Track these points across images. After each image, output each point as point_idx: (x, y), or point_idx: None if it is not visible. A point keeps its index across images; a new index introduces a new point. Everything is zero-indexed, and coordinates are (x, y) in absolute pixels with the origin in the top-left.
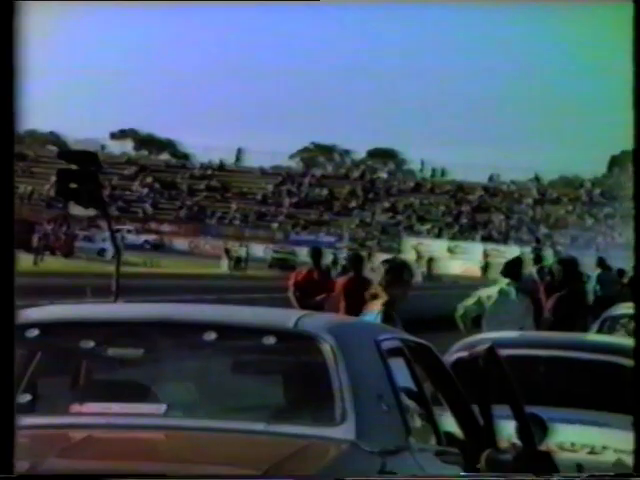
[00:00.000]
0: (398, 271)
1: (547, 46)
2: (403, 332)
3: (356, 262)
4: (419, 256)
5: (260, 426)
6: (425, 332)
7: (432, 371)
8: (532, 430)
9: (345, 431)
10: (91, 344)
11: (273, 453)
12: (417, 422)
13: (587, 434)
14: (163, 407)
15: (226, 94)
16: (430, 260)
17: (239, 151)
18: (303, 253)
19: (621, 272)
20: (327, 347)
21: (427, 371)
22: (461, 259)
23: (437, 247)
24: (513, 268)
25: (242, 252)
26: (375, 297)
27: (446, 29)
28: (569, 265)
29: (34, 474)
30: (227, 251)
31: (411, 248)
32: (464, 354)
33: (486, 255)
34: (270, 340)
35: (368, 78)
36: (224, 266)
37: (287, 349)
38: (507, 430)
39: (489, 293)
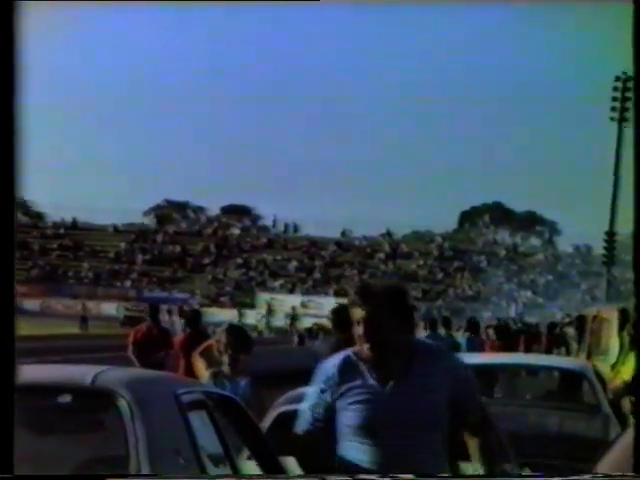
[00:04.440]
0: (241, 336)
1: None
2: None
3: (193, 318)
4: (271, 310)
5: None
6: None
7: (237, 422)
8: None
9: None
10: None
11: None
12: (219, 473)
13: None
14: None
15: (78, 151)
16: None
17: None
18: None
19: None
20: (124, 402)
21: (231, 423)
22: (313, 314)
23: (290, 302)
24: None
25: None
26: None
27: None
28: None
29: (34, 474)
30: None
31: (264, 303)
32: (286, 408)
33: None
34: (66, 398)
35: (219, 133)
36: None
37: (84, 406)
38: None
39: None
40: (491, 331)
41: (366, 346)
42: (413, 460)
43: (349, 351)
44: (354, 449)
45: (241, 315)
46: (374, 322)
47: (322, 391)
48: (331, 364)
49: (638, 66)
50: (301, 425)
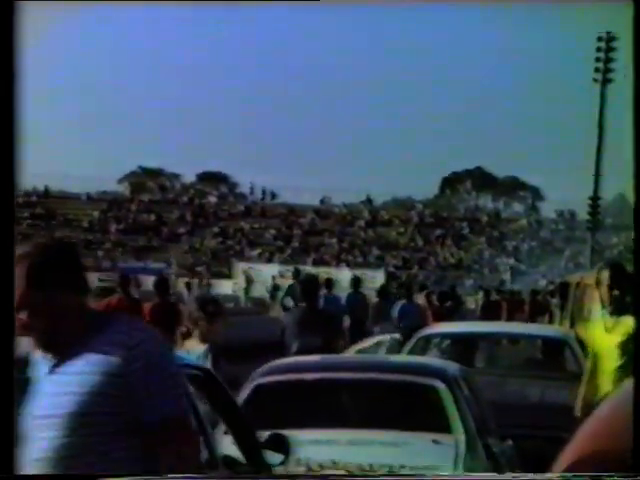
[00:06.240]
0: (214, 306)
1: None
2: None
3: (161, 286)
4: (249, 280)
5: None
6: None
7: (212, 395)
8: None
9: None
10: None
11: None
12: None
13: (386, 454)
14: None
15: (49, 117)
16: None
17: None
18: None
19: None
20: None
21: (206, 395)
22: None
23: (268, 271)
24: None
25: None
26: (189, 334)
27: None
28: (307, 284)
29: (34, 474)
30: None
31: (242, 273)
32: (264, 380)
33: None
34: None
35: (195, 100)
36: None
37: None
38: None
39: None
40: (433, 297)
41: (23, 313)
42: (71, 460)
43: None
44: (33, 443)
45: (203, 285)
46: (29, 283)
47: None
48: None
49: (638, 66)
50: None
